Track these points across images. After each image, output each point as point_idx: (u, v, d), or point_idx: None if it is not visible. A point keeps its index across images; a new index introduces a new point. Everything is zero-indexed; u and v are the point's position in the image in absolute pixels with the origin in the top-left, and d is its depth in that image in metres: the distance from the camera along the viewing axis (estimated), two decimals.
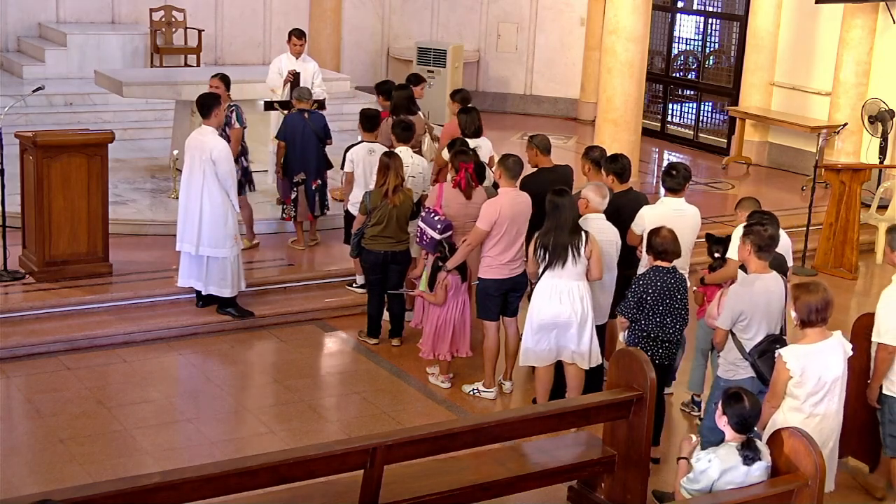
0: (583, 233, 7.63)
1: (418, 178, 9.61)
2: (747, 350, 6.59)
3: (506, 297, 8.38)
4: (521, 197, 8.29)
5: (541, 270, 7.67)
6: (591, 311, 7.73)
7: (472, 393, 8.48)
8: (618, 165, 8.40)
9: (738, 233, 7.34)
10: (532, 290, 7.95)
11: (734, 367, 6.71)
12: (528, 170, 8.98)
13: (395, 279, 9.09)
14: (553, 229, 7.59)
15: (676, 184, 8.08)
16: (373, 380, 8.72)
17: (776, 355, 6.17)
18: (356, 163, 9.89)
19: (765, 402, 6.16)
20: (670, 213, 7.89)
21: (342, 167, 10.09)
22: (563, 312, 7.62)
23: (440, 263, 8.43)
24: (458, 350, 8.55)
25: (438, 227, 8.46)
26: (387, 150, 9.44)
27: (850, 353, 6.25)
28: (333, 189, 10.44)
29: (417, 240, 8.75)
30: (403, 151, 9.51)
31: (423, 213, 8.70)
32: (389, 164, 8.85)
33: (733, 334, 6.67)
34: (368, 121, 10.06)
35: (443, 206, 8.57)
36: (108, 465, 7.10)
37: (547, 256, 7.60)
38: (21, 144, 9.59)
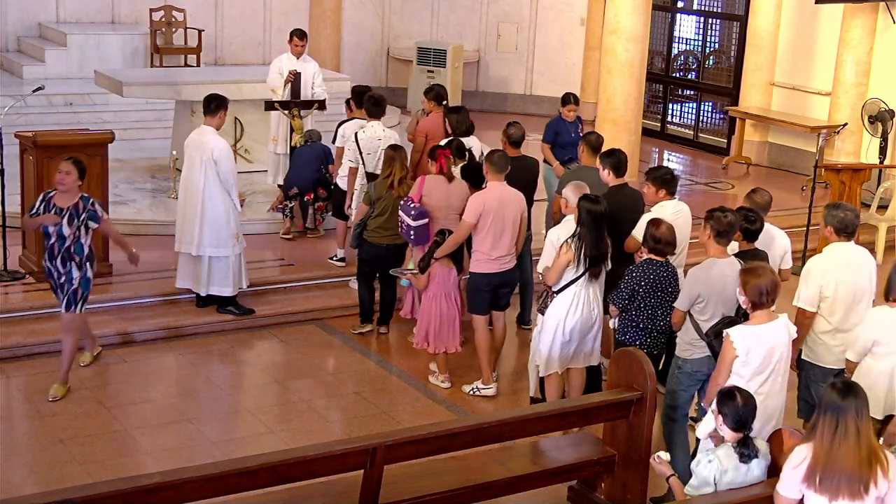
0: (608, 240, 7.63)
1: None
2: (704, 331, 6.81)
3: (496, 292, 8.45)
4: (509, 191, 8.34)
5: (572, 278, 7.55)
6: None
7: (472, 392, 8.50)
8: (615, 159, 8.45)
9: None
10: (541, 295, 7.88)
11: (691, 347, 6.94)
12: None
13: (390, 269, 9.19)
14: (597, 241, 7.49)
15: (674, 188, 8.16)
16: (373, 380, 8.73)
17: (724, 335, 6.32)
18: (347, 137, 10.18)
19: (711, 378, 6.43)
20: (671, 216, 7.93)
21: (333, 141, 10.61)
22: (592, 318, 7.63)
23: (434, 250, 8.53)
24: (447, 347, 8.56)
25: (412, 213, 8.65)
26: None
27: (795, 335, 6.45)
28: None
29: (400, 230, 8.90)
30: (375, 126, 9.93)
31: (401, 203, 8.88)
32: (395, 156, 9.04)
33: (691, 315, 6.90)
34: (357, 97, 10.51)
35: (425, 195, 8.73)
36: (108, 465, 7.11)
37: (589, 267, 7.51)
38: (21, 144, 9.59)
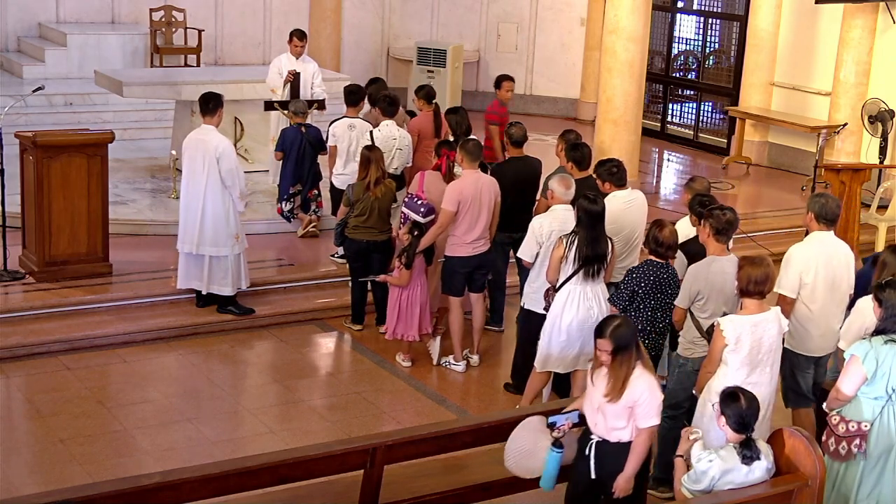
0: (609, 240, 7.64)
1: (405, 150, 10.15)
2: (704, 329, 6.82)
3: (472, 275, 8.76)
4: (483, 178, 8.68)
5: (567, 276, 7.56)
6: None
7: (445, 365, 8.85)
8: (578, 153, 8.68)
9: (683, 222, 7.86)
10: (540, 292, 7.96)
11: (692, 346, 6.98)
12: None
13: (376, 267, 9.21)
14: (592, 241, 7.49)
15: (621, 179, 8.33)
16: (373, 380, 8.73)
17: (714, 324, 6.36)
18: (338, 137, 10.36)
19: (702, 366, 6.51)
20: (623, 206, 8.23)
21: (325, 140, 10.69)
22: (591, 317, 7.61)
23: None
24: (404, 335, 8.81)
25: (422, 210, 8.81)
26: (368, 125, 10.17)
27: (786, 328, 6.53)
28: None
29: (402, 226, 9.00)
30: (390, 125, 10.08)
31: (405, 200, 9.07)
32: (370, 157, 9.12)
33: (691, 313, 6.94)
34: (349, 95, 10.58)
35: (424, 191, 8.90)
36: (108, 465, 7.11)
37: (582, 266, 7.51)
38: (21, 144, 9.59)
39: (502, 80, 11.43)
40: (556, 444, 5.94)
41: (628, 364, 5.78)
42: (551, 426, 5.96)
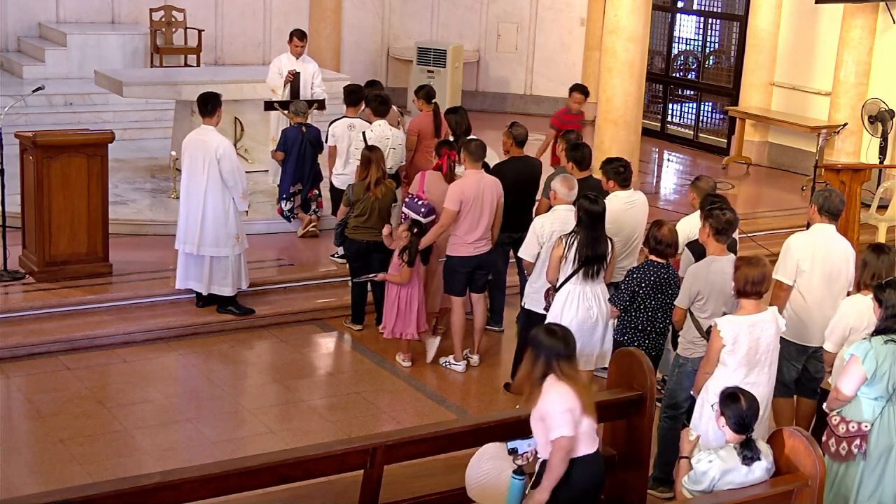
0: (609, 241, 7.65)
1: (398, 149, 10.18)
2: (704, 329, 6.81)
3: (472, 275, 8.77)
4: (486, 178, 8.68)
5: (567, 275, 7.58)
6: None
7: (444, 365, 8.87)
8: (579, 154, 8.70)
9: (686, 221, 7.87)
10: (541, 291, 7.98)
11: (692, 346, 6.96)
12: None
13: (376, 267, 9.22)
14: (592, 241, 7.51)
15: (626, 179, 8.36)
16: (373, 380, 8.73)
17: (712, 324, 6.34)
18: (338, 137, 10.37)
19: (700, 367, 6.48)
20: (624, 206, 8.27)
21: (325, 141, 10.71)
22: (591, 317, 7.64)
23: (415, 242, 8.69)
24: (423, 327, 8.86)
25: (423, 210, 8.83)
26: (366, 125, 10.15)
27: (784, 328, 6.50)
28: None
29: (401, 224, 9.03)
30: (382, 125, 10.09)
31: (406, 200, 9.11)
32: (371, 157, 9.14)
33: (691, 313, 6.94)
34: (349, 95, 10.62)
35: (425, 191, 8.91)
36: (108, 465, 7.11)
37: (582, 266, 7.53)
38: (21, 144, 9.59)
39: (572, 90, 11.59)
40: (518, 471, 5.74)
41: (530, 367, 5.66)
42: (512, 452, 5.81)
